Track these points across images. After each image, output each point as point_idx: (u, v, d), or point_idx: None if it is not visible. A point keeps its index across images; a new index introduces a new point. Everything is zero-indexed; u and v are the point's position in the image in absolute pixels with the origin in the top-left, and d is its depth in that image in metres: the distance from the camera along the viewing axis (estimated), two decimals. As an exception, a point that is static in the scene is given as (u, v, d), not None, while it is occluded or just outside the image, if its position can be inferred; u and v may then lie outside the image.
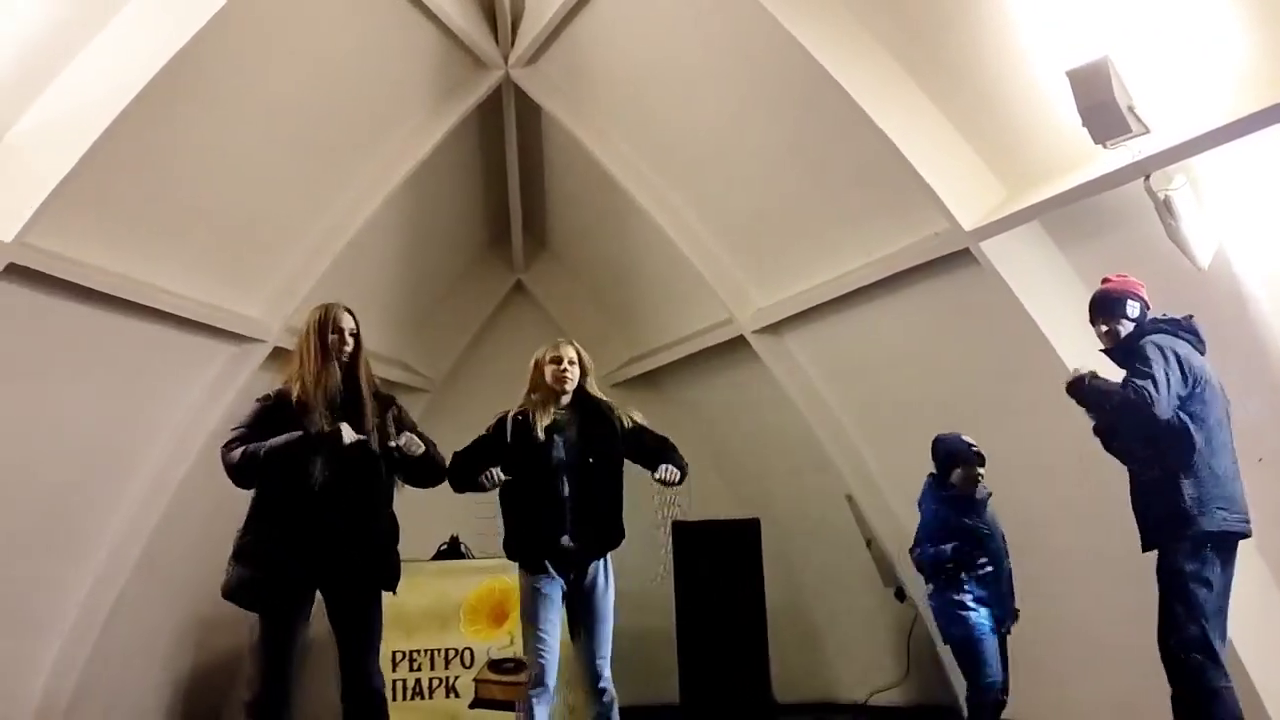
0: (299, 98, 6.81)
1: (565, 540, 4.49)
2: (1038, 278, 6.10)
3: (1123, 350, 4.40)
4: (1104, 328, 4.50)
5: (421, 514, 7.37)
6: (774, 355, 7.88)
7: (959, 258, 6.25)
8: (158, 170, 6.26)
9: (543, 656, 4.46)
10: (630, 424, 4.69)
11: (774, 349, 7.88)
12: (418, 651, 7.32)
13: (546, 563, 4.51)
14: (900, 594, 7.66)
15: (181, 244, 6.67)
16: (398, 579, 4.27)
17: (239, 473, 4.15)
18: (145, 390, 6.92)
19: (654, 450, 4.68)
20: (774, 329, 7.83)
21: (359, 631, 4.15)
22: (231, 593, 4.11)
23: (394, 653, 7.26)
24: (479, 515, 8.44)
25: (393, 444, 4.20)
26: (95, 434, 6.71)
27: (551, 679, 4.48)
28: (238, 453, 4.13)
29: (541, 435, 4.54)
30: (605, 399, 4.77)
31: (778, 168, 7.11)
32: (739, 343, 8.02)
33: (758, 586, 7.09)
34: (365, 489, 4.15)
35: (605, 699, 4.51)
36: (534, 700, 4.46)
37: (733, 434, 8.80)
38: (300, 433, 4.05)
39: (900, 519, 7.38)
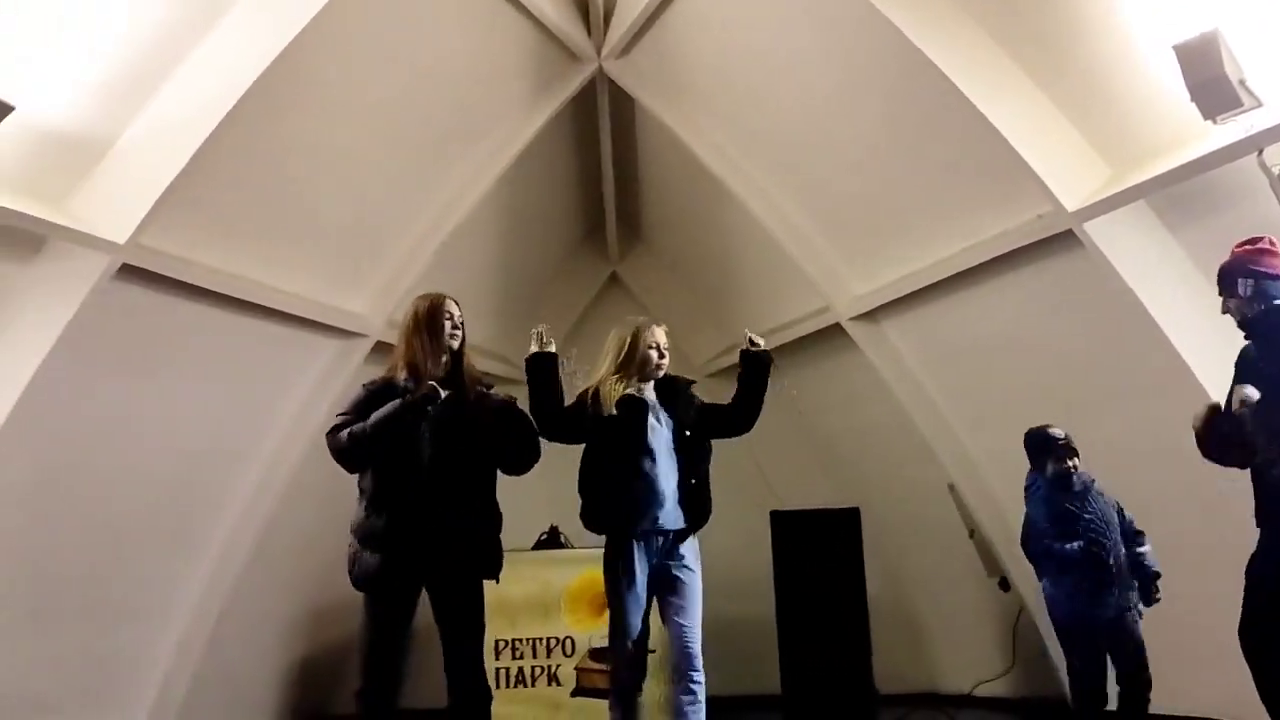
0: (398, 97, 6.94)
1: (657, 518, 4.41)
2: (1144, 259, 5.93)
3: (1257, 322, 4.14)
4: (1231, 301, 4.23)
5: (521, 505, 7.48)
6: (872, 343, 7.79)
7: (1062, 240, 6.11)
8: (263, 170, 6.44)
9: (633, 637, 4.41)
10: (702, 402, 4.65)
11: (872, 336, 7.79)
12: (520, 640, 7.42)
13: (635, 542, 4.41)
14: (1005, 584, 7.52)
15: (287, 242, 6.86)
16: (500, 567, 4.29)
17: (346, 454, 4.19)
18: (254, 386, 7.14)
19: (728, 407, 4.64)
20: (871, 316, 7.74)
21: (463, 622, 4.17)
22: (351, 577, 4.15)
23: (497, 641, 7.36)
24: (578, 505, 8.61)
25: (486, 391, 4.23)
26: (208, 430, 6.95)
27: (643, 660, 4.43)
28: (344, 434, 4.17)
29: (614, 410, 4.46)
30: (682, 377, 4.72)
31: (874, 152, 7.03)
32: (835, 331, 7.94)
33: (858, 576, 7.02)
34: (468, 477, 4.17)
35: (695, 684, 4.41)
36: (625, 680, 4.44)
37: (830, 423, 8.73)
38: (398, 400, 4.07)
39: (1004, 508, 7.25)
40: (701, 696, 4.39)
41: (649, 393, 4.59)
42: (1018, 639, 7.56)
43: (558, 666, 7.42)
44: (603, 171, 8.83)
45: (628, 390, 4.55)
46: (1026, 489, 5.55)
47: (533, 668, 7.40)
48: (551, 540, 8.14)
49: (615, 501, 4.44)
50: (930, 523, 8.02)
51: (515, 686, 7.35)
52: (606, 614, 7.28)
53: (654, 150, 8.59)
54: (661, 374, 4.62)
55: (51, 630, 6.33)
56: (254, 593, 7.42)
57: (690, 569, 4.47)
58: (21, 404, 5.68)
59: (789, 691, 6.91)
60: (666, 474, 4.44)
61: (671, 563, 4.44)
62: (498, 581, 4.29)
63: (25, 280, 5.73)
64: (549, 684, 7.40)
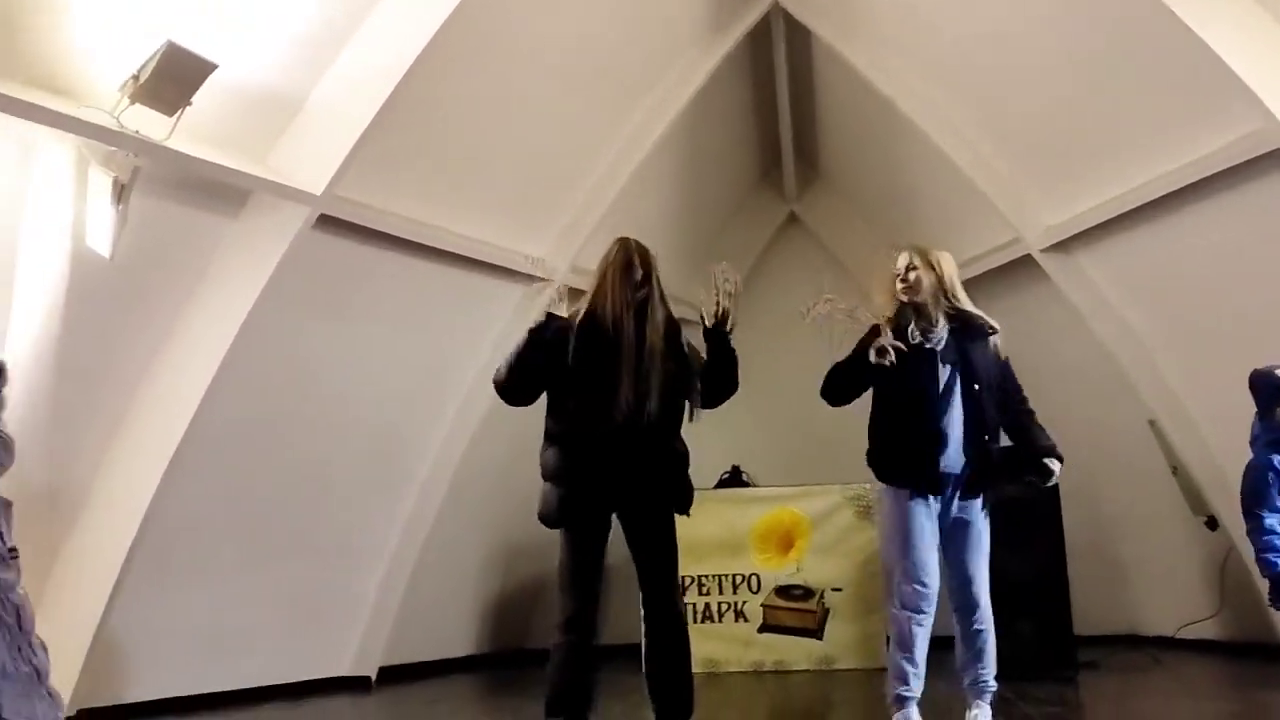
0: (575, 42, 6.99)
1: (942, 463, 4.31)
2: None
3: None
4: None
5: (701, 444, 7.55)
6: (1065, 274, 7.46)
7: (1275, 157, 5.70)
8: (447, 119, 6.61)
9: (922, 584, 4.29)
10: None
11: (1065, 268, 7.45)
12: (706, 576, 7.50)
13: (923, 486, 4.32)
14: (1212, 523, 7.14)
15: (472, 188, 7.03)
16: (691, 501, 4.29)
17: (505, 386, 4.17)
18: (445, 331, 7.38)
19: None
20: (1064, 246, 7.40)
21: (658, 554, 4.19)
22: (540, 512, 4.17)
23: (684, 577, 7.45)
24: (759, 444, 8.61)
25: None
26: (404, 374, 7.24)
27: (931, 605, 4.32)
28: (500, 368, 4.17)
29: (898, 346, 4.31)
30: (982, 315, 4.56)
31: (1064, 73, 6.68)
32: (1026, 263, 7.63)
33: (1055, 516, 6.76)
34: (662, 411, 4.15)
35: (978, 628, 4.36)
36: (913, 624, 4.29)
37: (1020, 360, 8.38)
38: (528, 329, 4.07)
39: (1210, 444, 6.89)
40: (988, 640, 4.38)
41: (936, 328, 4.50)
42: (1226, 580, 7.19)
43: (744, 603, 7.47)
44: (779, 108, 8.70)
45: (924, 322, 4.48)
46: (1252, 440, 5.08)
47: (719, 604, 7.48)
48: (734, 479, 8.17)
49: (899, 444, 4.41)
50: (1130, 460, 7.67)
51: (703, 622, 7.44)
52: (792, 553, 7.46)
53: (831, 84, 8.40)
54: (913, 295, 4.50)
55: (265, 566, 6.75)
56: (451, 530, 7.72)
57: (980, 510, 4.41)
58: (232, 352, 6.03)
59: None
60: (953, 417, 4.39)
61: (960, 506, 4.37)
62: (688, 515, 4.29)
63: (232, 233, 6.06)
64: (736, 620, 7.47)
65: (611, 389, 4.01)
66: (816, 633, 7.38)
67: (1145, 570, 7.96)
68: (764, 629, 7.43)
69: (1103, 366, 7.50)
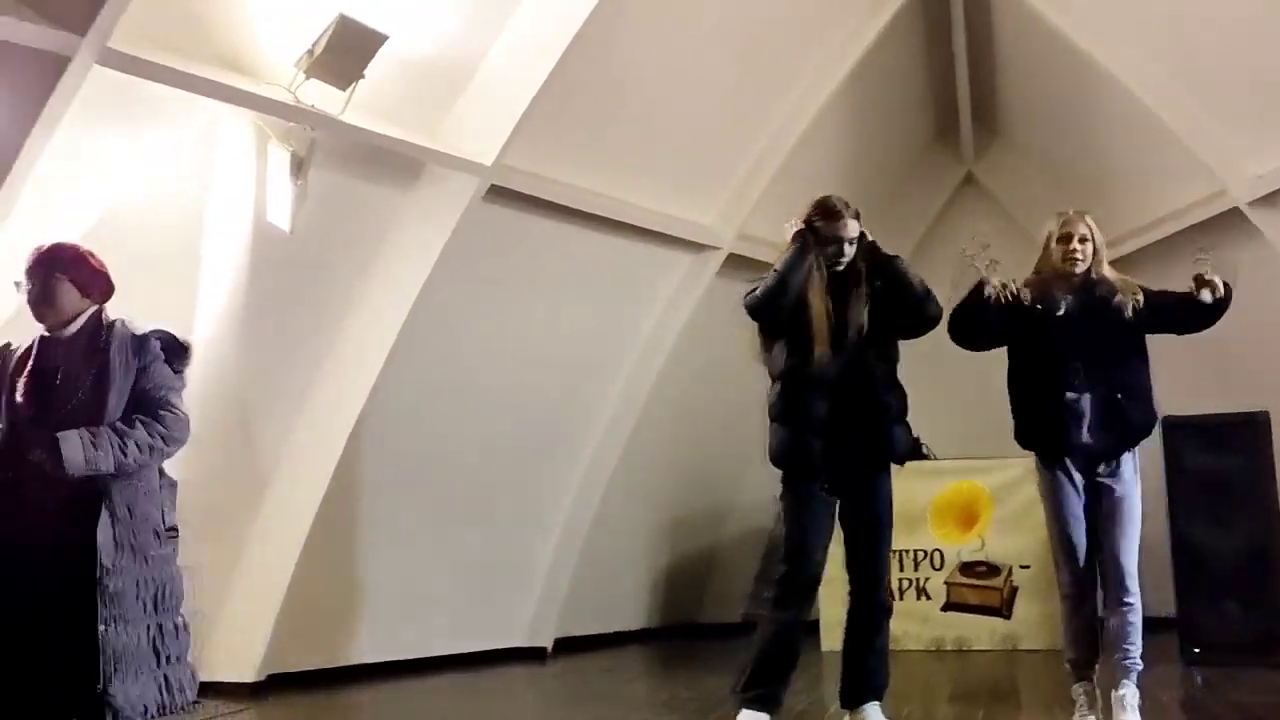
0: (738, 8, 6.81)
1: (1083, 435, 4.08)
2: None
3: None
4: None
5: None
6: (1278, 228, 6.89)
7: None
8: (611, 87, 6.54)
9: (1072, 558, 4.13)
10: (1141, 304, 4.17)
11: (1277, 221, 6.89)
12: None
13: (1065, 459, 4.12)
14: None
15: (638, 157, 6.95)
16: (906, 454, 4.17)
17: (759, 307, 4.12)
18: (614, 301, 7.34)
19: (1174, 304, 4.23)
20: (1276, 198, 6.83)
21: (864, 517, 4.08)
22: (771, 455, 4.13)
23: (863, 553, 7.26)
24: (938, 416, 8.27)
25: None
26: (574, 345, 7.23)
27: (1087, 583, 4.15)
28: (759, 285, 4.13)
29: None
30: (1118, 277, 4.28)
31: (1268, 10, 6.14)
32: (1233, 216, 7.06)
33: (1268, 489, 6.26)
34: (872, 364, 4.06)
35: (1125, 606, 4.08)
36: (1068, 608, 4.18)
37: (1232, 321, 7.81)
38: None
39: None
40: (1134, 618, 4.08)
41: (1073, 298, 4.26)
42: None
43: (926, 580, 7.21)
44: (955, 63, 8.29)
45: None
46: None
47: (900, 580, 7.21)
48: (914, 452, 7.87)
49: (1040, 415, 4.23)
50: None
51: (883, 599, 7.20)
52: (975, 528, 7.15)
53: (1012, 35, 7.96)
54: (1082, 266, 4.23)
55: (443, 534, 6.86)
56: (621, 501, 7.70)
57: (1127, 485, 4.14)
58: (409, 323, 6.13)
59: (1185, 614, 6.32)
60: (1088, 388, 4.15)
61: (1107, 480, 4.14)
62: (902, 465, 4.13)
63: (406, 204, 6.13)
64: (918, 598, 7.21)
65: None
66: (1002, 611, 7.06)
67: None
68: (947, 607, 7.15)
69: (1322, 328, 6.91)
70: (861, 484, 4.09)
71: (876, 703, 4.14)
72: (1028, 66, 8.19)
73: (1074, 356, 4.12)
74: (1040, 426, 4.20)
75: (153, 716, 3.16)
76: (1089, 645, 4.18)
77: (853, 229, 4.14)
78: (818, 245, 4.09)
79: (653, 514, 8.11)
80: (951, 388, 8.26)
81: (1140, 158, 7.69)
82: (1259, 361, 7.62)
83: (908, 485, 7.24)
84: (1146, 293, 4.24)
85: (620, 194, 6.91)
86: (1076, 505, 4.14)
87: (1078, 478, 4.14)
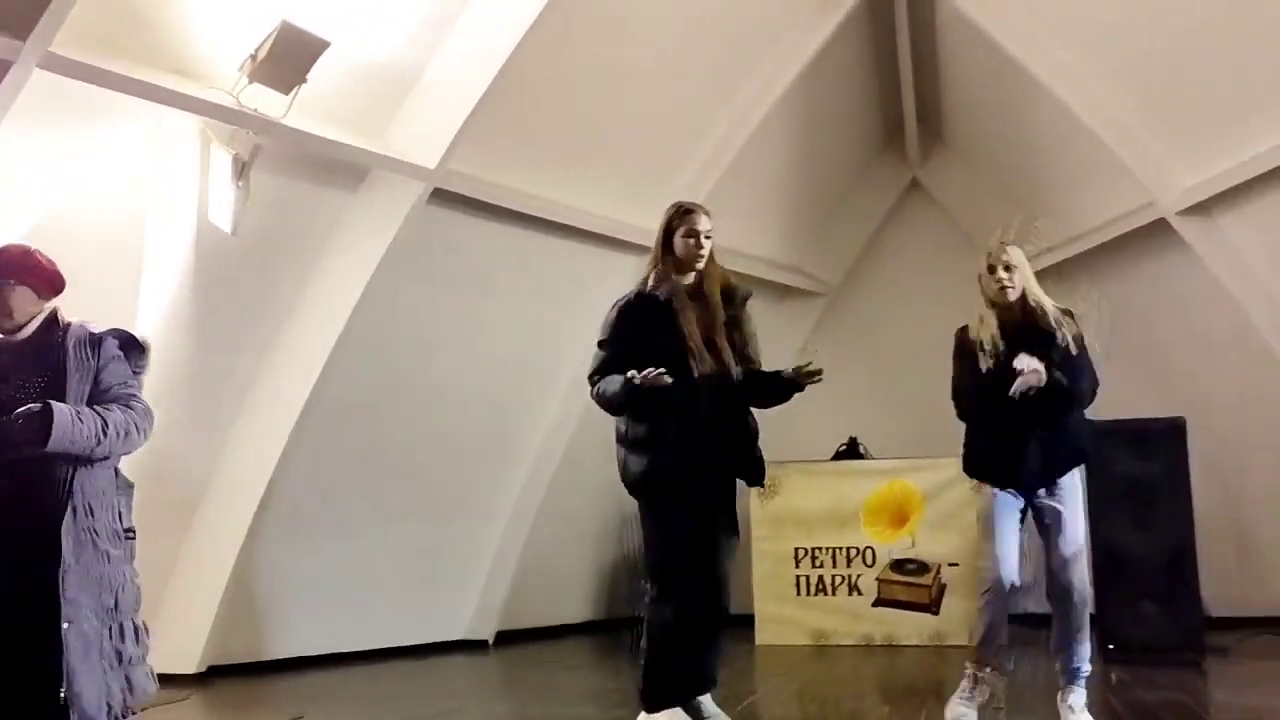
0: (689, 9, 6.94)
1: (1025, 465, 4.22)
2: None
3: None
4: None
5: (820, 415, 7.45)
6: (1204, 238, 7.07)
7: None
8: (558, 92, 6.65)
9: (1004, 567, 4.24)
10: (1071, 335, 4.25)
11: (1203, 231, 7.07)
12: (819, 549, 7.43)
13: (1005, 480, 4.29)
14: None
15: (584, 161, 7.07)
16: (764, 474, 4.21)
17: (604, 408, 4.21)
18: (559, 302, 7.46)
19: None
20: (1203, 209, 7.02)
21: (726, 526, 4.16)
22: (625, 481, 4.18)
23: (796, 549, 7.44)
24: (877, 416, 8.46)
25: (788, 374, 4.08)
26: (519, 344, 7.37)
27: (1005, 585, 4.24)
28: (595, 392, 4.19)
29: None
30: (1052, 308, 4.34)
31: (1203, 24, 6.33)
32: (1161, 227, 7.27)
33: (1184, 491, 6.47)
34: (733, 389, 4.08)
35: (1073, 611, 4.25)
36: (986, 604, 4.29)
37: (1155, 329, 8.06)
38: (623, 380, 3.95)
39: (1362, 420, 6.49)
40: (1081, 623, 4.26)
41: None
42: (1376, 564, 6.80)
43: (858, 576, 7.39)
44: (901, 71, 8.45)
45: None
46: None
47: (833, 577, 7.40)
48: (851, 451, 8.06)
49: (985, 439, 4.39)
50: (1272, 435, 7.29)
51: (815, 595, 7.40)
52: (906, 526, 7.33)
53: (956, 43, 8.12)
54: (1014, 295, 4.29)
55: (386, 528, 6.99)
56: (565, 496, 7.84)
57: (1069, 496, 4.29)
58: (352, 323, 6.24)
59: (1104, 611, 6.52)
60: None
61: (1048, 495, 4.29)
62: (762, 487, 4.23)
63: (351, 207, 6.24)
64: (850, 594, 7.38)
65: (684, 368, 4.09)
66: (931, 608, 7.24)
67: (1289, 551, 7.58)
68: (878, 603, 7.33)
69: (1243, 337, 7.12)
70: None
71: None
72: (970, 74, 8.36)
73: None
74: (984, 459, 4.35)
75: (116, 716, 3.17)
76: (997, 641, 4.31)
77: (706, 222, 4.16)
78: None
79: (598, 509, 8.24)
80: (886, 389, 8.47)
81: (1075, 167, 7.88)
82: (1181, 369, 7.86)
83: (841, 484, 7.50)
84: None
85: (565, 197, 7.02)
86: (1014, 523, 4.28)
87: (1019, 499, 4.29)
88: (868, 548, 7.37)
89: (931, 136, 9.24)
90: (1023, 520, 4.36)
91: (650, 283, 4.19)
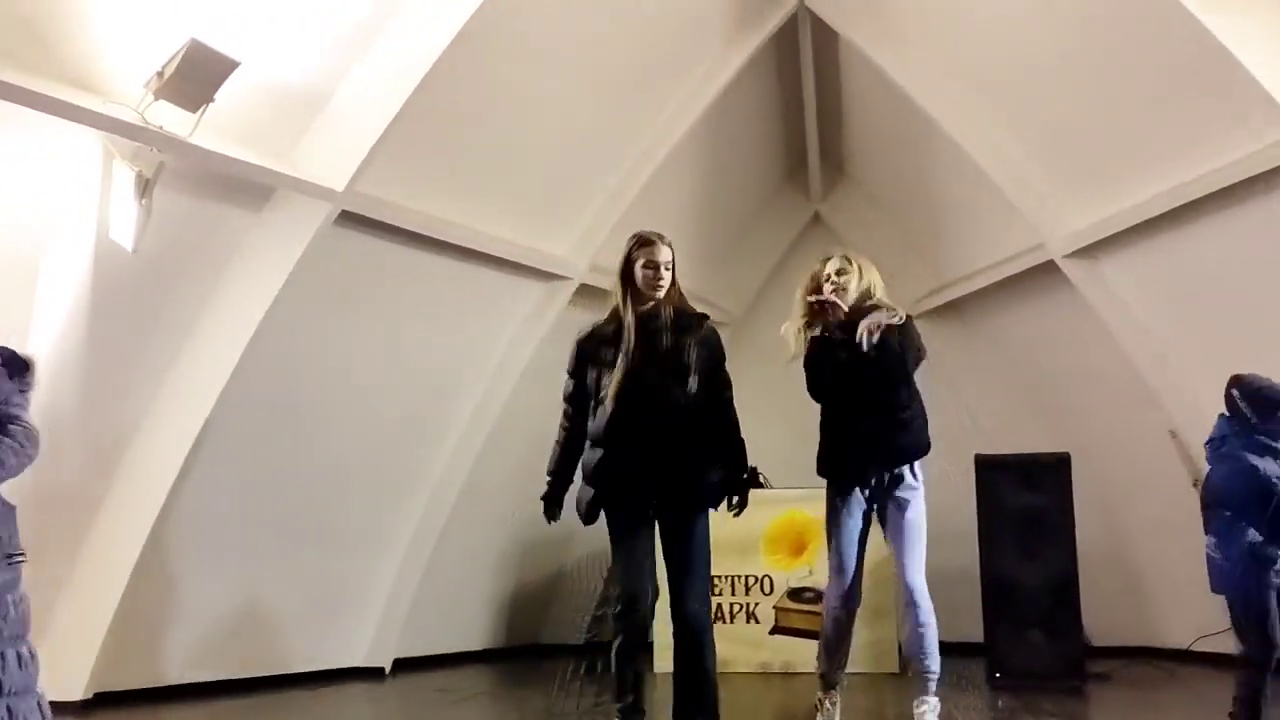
0: (598, 40, 7.01)
1: (858, 461, 4.50)
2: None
3: None
4: None
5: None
6: (1089, 281, 7.37)
7: (1305, 166, 5.65)
8: (469, 118, 6.66)
9: (842, 574, 4.52)
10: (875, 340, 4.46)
11: (1089, 274, 7.37)
12: (719, 577, 7.50)
13: (847, 483, 4.54)
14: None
15: (494, 187, 7.08)
16: (717, 498, 4.31)
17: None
18: (465, 328, 7.45)
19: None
20: (1089, 252, 7.32)
21: (678, 560, 4.25)
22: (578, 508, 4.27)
23: (697, 578, 7.49)
24: (778, 447, 8.58)
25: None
26: (424, 369, 7.33)
27: (846, 588, 4.52)
28: (559, 435, 4.39)
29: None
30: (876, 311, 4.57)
31: (1090, 76, 6.62)
32: (1050, 268, 7.56)
33: (1068, 523, 6.73)
34: (680, 415, 4.17)
35: (919, 621, 4.45)
36: (831, 606, 4.57)
37: (1042, 366, 8.36)
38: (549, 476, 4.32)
39: (1232, 457, 6.80)
40: (928, 632, 4.47)
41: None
42: (1247, 594, 7.11)
43: (756, 605, 7.49)
44: (805, 108, 8.66)
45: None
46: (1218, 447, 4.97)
47: (732, 605, 7.50)
48: (751, 481, 8.14)
49: (831, 441, 4.71)
50: (1151, 471, 7.59)
51: (714, 622, 7.43)
52: (804, 555, 7.46)
53: (858, 84, 8.37)
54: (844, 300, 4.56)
55: (283, 553, 6.88)
56: (467, 524, 7.79)
57: (910, 501, 4.53)
58: (253, 345, 6.15)
59: (992, 640, 6.74)
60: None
61: (889, 498, 4.55)
62: (715, 510, 4.33)
63: (256, 228, 6.15)
64: (748, 621, 7.49)
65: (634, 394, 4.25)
66: (827, 636, 7.38)
67: (1165, 581, 7.88)
68: (775, 631, 7.45)
69: (1125, 375, 7.42)
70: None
71: None
72: (872, 113, 8.61)
73: (846, 390, 4.50)
74: (825, 455, 4.62)
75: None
76: (840, 660, 4.62)
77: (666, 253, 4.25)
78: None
79: (499, 536, 8.22)
80: (786, 419, 8.59)
81: (970, 207, 8.15)
82: (1068, 405, 8.17)
83: (744, 513, 7.58)
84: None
85: (474, 223, 7.02)
86: (854, 528, 4.54)
87: (859, 502, 4.51)
88: (766, 576, 7.49)
89: (834, 172, 9.47)
90: (867, 524, 4.58)
91: (607, 315, 4.30)
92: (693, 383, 4.16)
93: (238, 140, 5.75)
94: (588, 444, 4.26)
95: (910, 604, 4.47)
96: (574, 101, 7.19)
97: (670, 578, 4.24)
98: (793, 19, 7.82)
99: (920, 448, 4.61)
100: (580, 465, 4.30)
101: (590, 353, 4.27)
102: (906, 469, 4.56)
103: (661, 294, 4.23)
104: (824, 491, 7.29)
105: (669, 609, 4.25)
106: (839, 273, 4.62)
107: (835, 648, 4.64)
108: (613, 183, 7.81)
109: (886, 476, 4.53)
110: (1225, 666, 7.00)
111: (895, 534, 4.53)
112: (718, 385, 4.31)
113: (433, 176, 6.71)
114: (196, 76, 5.22)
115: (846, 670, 4.77)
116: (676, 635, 4.23)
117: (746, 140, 8.89)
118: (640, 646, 4.28)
